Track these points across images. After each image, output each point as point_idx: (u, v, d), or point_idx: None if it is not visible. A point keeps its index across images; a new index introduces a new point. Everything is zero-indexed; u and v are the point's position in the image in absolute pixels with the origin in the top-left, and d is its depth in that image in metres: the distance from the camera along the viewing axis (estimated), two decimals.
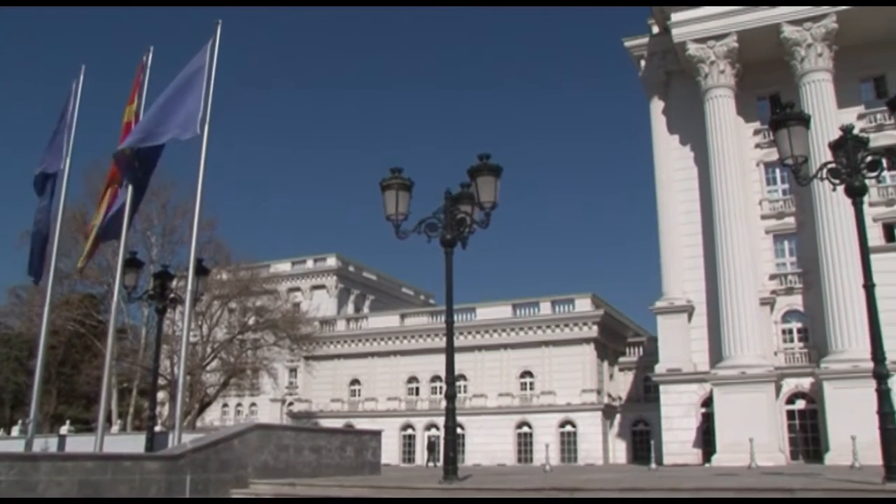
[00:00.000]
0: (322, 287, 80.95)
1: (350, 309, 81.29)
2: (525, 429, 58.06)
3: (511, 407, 58.94)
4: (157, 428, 22.66)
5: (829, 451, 35.50)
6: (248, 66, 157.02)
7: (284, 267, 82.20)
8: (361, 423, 54.89)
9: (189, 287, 16.80)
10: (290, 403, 69.96)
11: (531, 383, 59.32)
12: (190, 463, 14.67)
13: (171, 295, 21.39)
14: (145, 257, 38.15)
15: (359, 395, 65.51)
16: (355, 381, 65.80)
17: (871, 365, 14.30)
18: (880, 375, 13.87)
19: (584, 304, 59.09)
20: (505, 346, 60.20)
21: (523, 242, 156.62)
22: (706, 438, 39.69)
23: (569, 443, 56.88)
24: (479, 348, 60.34)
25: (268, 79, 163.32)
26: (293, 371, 70.81)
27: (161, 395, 46.76)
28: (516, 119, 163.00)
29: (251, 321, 52.31)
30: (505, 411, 58.71)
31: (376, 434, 22.46)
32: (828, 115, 38.96)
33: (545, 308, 60.19)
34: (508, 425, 58.20)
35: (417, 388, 63.17)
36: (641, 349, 61.41)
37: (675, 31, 42.92)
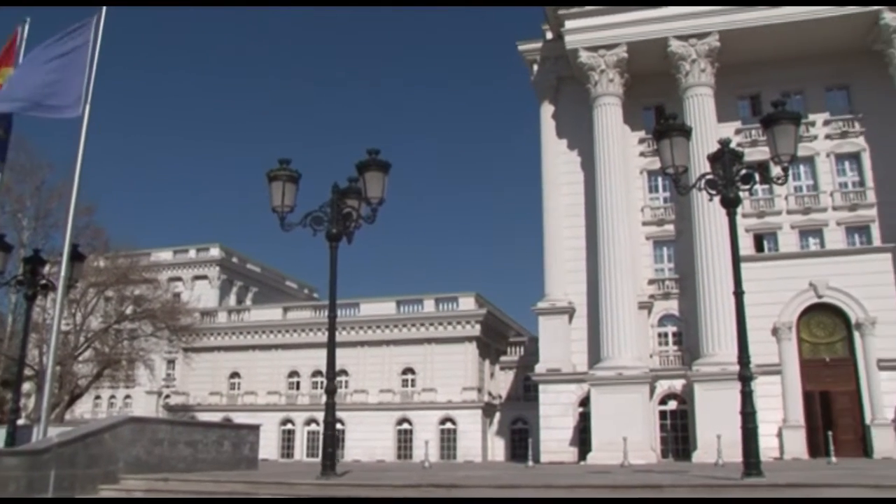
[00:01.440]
0: (204, 277, 79.14)
1: (232, 301, 79.77)
2: (405, 425, 58.26)
3: (392, 403, 59.04)
4: (21, 421, 21.67)
5: (696, 449, 37.01)
6: (139, 52, 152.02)
7: (166, 256, 79.96)
8: (240, 418, 53.92)
9: (62, 273, 16.09)
10: (167, 396, 68.07)
11: (413, 380, 59.56)
12: (55, 458, 13.97)
13: (43, 281, 20.46)
14: (15, 241, 36.36)
15: (238, 388, 64.31)
16: (235, 375, 64.57)
17: (737, 368, 14.99)
18: (745, 378, 14.57)
19: (467, 303, 59.74)
20: (388, 343, 60.25)
21: (410, 240, 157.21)
22: (582, 437, 40.72)
23: (449, 440, 57.38)
24: (362, 344, 60.17)
25: (160, 67, 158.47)
26: (171, 363, 68.90)
27: (27, 386, 44.80)
28: (409, 117, 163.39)
29: (128, 310, 50.70)
30: (386, 407, 58.76)
31: (254, 428, 22.14)
32: (708, 128, 40.52)
33: (429, 306, 60.55)
34: (389, 422, 58.27)
35: (298, 383, 62.50)
36: (523, 349, 62.51)
37: (567, 38, 43.81)
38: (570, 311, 43.72)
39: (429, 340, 59.38)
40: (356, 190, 16.22)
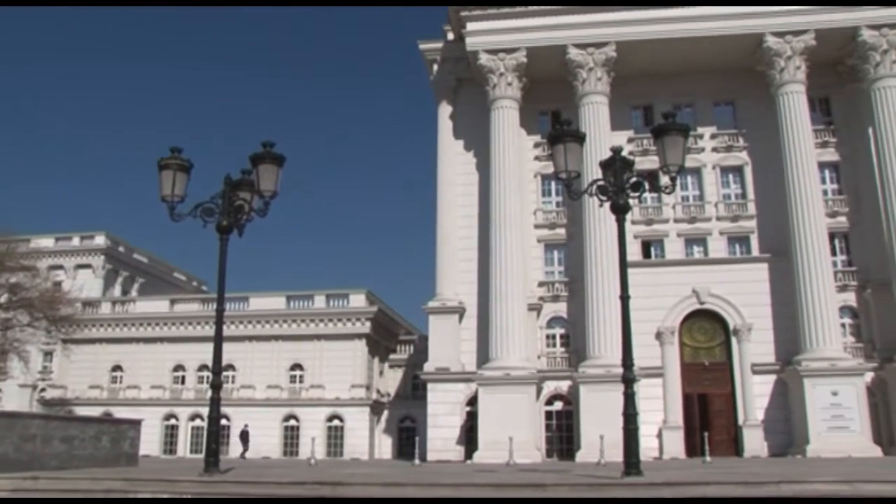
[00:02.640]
0: (88, 266, 76.18)
1: (117, 291, 77.15)
2: (292, 422, 57.54)
3: (279, 399, 58.22)
4: None
5: (580, 449, 37.84)
6: (30, 41, 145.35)
7: (47, 243, 76.60)
8: (122, 413, 52.08)
9: None
10: (43, 390, 65.16)
11: (301, 376, 58.87)
12: None
13: None
14: None
15: (120, 382, 62.21)
16: (117, 368, 62.44)
17: (621, 370, 15.42)
18: (628, 380, 15.03)
19: (358, 300, 59.47)
20: (277, 338, 59.37)
21: (303, 235, 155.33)
22: (469, 436, 41.07)
23: (336, 437, 57.00)
24: (251, 339, 59.14)
25: (51, 53, 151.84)
26: (48, 355, 66.01)
27: None
28: (307, 112, 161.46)
29: (3, 299, 48.38)
30: (273, 403, 57.89)
31: (136, 423, 21.51)
32: (602, 135, 41.47)
33: (319, 302, 59.99)
34: (275, 418, 57.43)
35: (184, 377, 60.93)
36: (412, 347, 62.65)
37: (468, 40, 44.11)
38: (460, 311, 44.05)
39: (318, 337, 58.83)
40: (249, 182, 16.00)
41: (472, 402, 41.48)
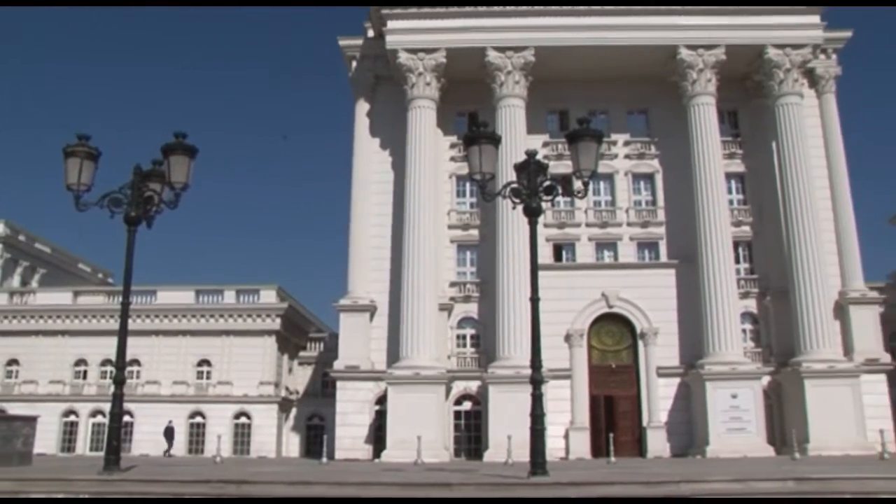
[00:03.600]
0: None
1: (16, 282, 74.24)
2: (198, 419, 56.39)
3: (185, 396, 56.94)
4: None
5: (488, 448, 38.16)
6: None
7: None
8: (17, 409, 50.30)
9: None
10: None
11: (208, 372, 57.71)
12: None
13: None
14: None
15: (16, 376, 59.87)
16: (13, 362, 60.01)
17: (530, 371, 15.61)
18: (536, 381, 15.23)
19: (269, 296, 58.65)
20: (184, 333, 58.04)
21: (214, 229, 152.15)
22: (378, 435, 41.00)
23: (242, 435, 56.15)
24: (157, 333, 57.70)
25: None
26: None
27: None
28: (222, 104, 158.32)
29: None
30: (178, 400, 56.58)
31: (30, 420, 20.78)
32: (517, 138, 41.91)
33: (229, 297, 58.87)
34: (181, 414, 56.10)
35: (85, 372, 58.99)
36: (322, 345, 62.21)
37: (389, 38, 43.99)
38: (371, 310, 43.94)
39: (227, 332, 57.82)
40: (160, 174, 15.65)
41: (382, 400, 41.39)
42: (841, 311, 43.09)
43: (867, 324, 43.05)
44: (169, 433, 51.15)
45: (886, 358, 43.08)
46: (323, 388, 58.22)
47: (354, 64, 47.97)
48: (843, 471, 15.33)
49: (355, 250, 44.98)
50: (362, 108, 47.41)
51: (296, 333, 61.75)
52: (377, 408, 42.30)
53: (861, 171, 78.69)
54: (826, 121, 46.13)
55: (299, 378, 61.57)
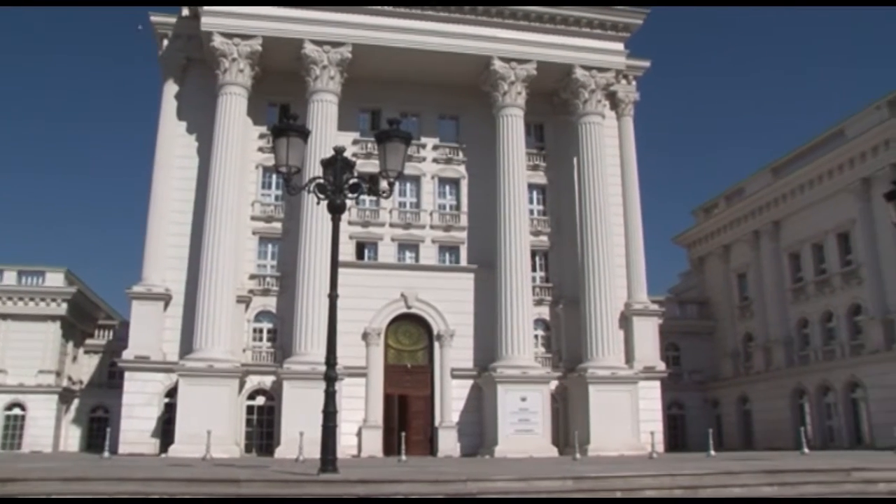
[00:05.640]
0: None
1: None
2: None
3: None
4: None
5: (280, 445, 37.64)
6: None
7: None
8: None
9: None
10: None
11: None
12: None
13: None
14: None
15: None
16: None
17: (325, 368, 15.58)
18: (330, 378, 15.24)
19: (55, 279, 55.07)
20: None
21: (8, 215, 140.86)
22: (167, 429, 39.44)
23: (14, 427, 52.51)
24: None
25: None
26: None
27: None
28: (23, 74, 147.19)
29: None
30: None
31: None
32: (328, 134, 41.63)
33: (10, 278, 54.70)
34: None
35: None
36: (112, 333, 59.29)
37: (204, 20, 42.44)
38: (166, 298, 42.26)
39: (5, 316, 53.85)
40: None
41: (172, 393, 39.87)
42: (625, 321, 45.82)
43: (647, 334, 46.08)
44: None
45: (662, 366, 46.39)
46: (110, 378, 55.41)
47: (166, 42, 45.93)
48: (616, 469, 16.29)
49: (153, 236, 43.07)
50: (171, 89, 45.48)
51: (84, 320, 58.36)
52: (167, 400, 40.73)
53: (651, 191, 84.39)
54: (623, 142, 48.97)
55: (85, 367, 58.29)
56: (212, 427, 34.34)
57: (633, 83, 50.16)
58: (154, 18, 45.99)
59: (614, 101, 49.14)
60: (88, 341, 59.19)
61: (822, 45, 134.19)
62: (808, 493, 14.24)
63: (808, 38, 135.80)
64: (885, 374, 45.78)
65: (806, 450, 33.59)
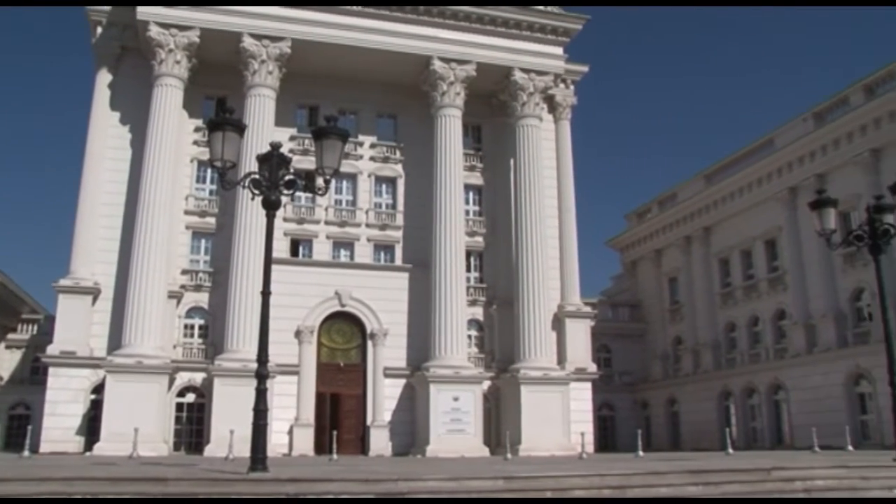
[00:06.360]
0: None
1: None
2: None
3: None
4: None
5: (210, 443, 37.12)
6: None
7: None
8: None
9: None
10: None
11: None
12: None
13: None
14: None
15: None
16: None
17: (256, 365, 15.44)
18: (261, 376, 15.12)
19: None
20: None
21: None
22: (93, 426, 38.50)
23: None
24: None
25: None
26: None
27: None
28: None
29: None
30: None
31: None
32: (265, 129, 41.18)
33: None
34: None
35: None
36: (37, 328, 57.65)
37: (140, 9, 41.46)
38: (95, 292, 41.29)
39: None
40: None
41: (100, 389, 38.90)
42: (558, 322, 46.29)
43: (580, 336, 46.65)
44: None
45: (593, 368, 47.04)
46: (33, 374, 53.88)
47: (100, 30, 44.74)
48: (547, 469, 16.46)
49: (83, 229, 41.99)
50: (104, 78, 44.36)
51: (6, 313, 56.68)
52: (93, 397, 39.78)
53: (586, 194, 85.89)
54: (560, 145, 49.46)
55: (6, 363, 56.57)
56: (139, 425, 33.67)
57: (572, 87, 50.71)
58: (89, 7, 44.79)
59: (552, 104, 49.60)
60: (10, 336, 57.49)
61: (760, 51, 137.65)
62: (731, 492, 14.60)
63: (748, 44, 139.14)
64: (806, 377, 47.22)
65: (730, 450, 34.42)
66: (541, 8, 46.39)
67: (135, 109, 43.20)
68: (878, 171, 44.08)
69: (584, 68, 50.93)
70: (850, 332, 45.81)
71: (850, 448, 36.35)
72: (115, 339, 39.50)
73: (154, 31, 41.53)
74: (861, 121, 45.26)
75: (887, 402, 27.06)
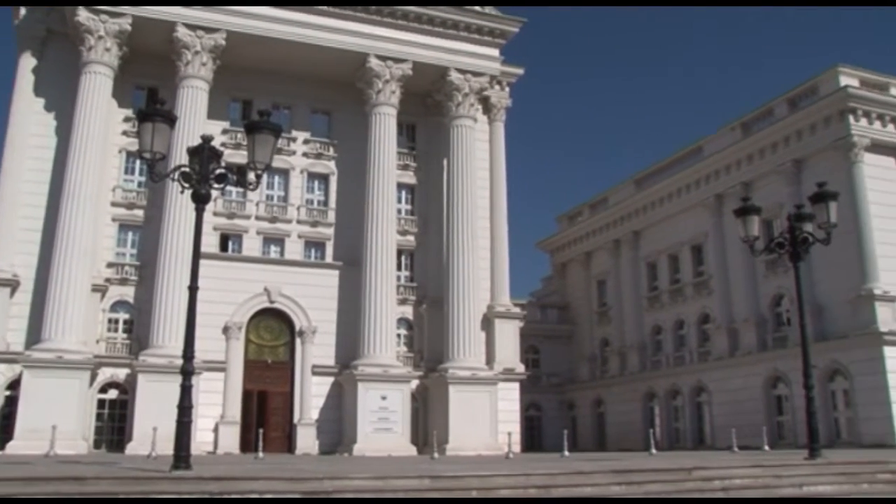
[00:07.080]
0: None
1: None
2: None
3: None
4: None
5: (132, 440, 36.31)
6: None
7: None
8: None
9: None
10: None
11: None
12: None
13: None
14: None
15: None
16: None
17: (182, 361, 15.18)
18: (186, 372, 14.89)
19: None
20: None
21: None
22: (7, 424, 37.24)
23: None
24: None
25: None
26: None
27: None
28: None
29: None
30: None
31: None
32: (197, 122, 40.42)
33: None
34: None
35: None
36: None
37: None
38: (13, 284, 39.97)
39: None
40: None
41: (16, 385, 37.71)
42: (487, 323, 46.53)
43: (508, 336, 46.97)
44: None
45: (522, 368, 47.45)
46: None
47: (23, 12, 43.32)
48: (473, 469, 16.52)
49: (2, 218, 40.51)
50: (27, 62, 42.90)
51: None
52: (8, 393, 38.58)
53: (518, 196, 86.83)
54: (493, 146, 49.73)
55: None
56: (58, 422, 32.73)
57: (507, 89, 51.05)
58: None
59: (487, 105, 49.88)
60: None
61: (696, 57, 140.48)
62: (654, 491, 14.88)
63: (684, 50, 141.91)
64: (728, 380, 48.49)
65: (654, 450, 35.03)
66: (478, 9, 46.63)
67: (61, 97, 41.99)
68: (800, 181, 45.54)
69: (520, 70, 51.37)
70: (769, 336, 47.20)
71: (767, 448, 37.54)
72: (35, 333, 38.32)
73: (83, 17, 40.37)
74: (784, 132, 46.73)
75: (802, 404, 28.12)
